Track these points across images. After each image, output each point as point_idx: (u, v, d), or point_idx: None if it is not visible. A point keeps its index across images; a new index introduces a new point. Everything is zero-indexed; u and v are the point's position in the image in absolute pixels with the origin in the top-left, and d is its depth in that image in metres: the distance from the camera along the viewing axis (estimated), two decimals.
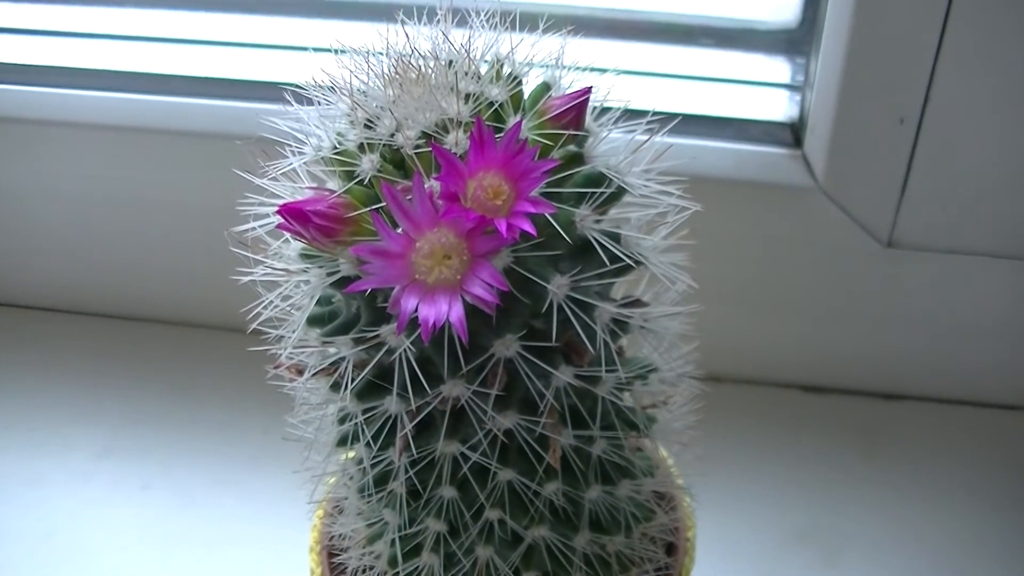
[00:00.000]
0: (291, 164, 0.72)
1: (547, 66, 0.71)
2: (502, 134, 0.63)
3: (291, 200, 0.66)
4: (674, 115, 0.99)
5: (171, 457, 1.19)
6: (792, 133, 1.15)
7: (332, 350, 0.71)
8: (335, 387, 0.73)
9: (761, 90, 1.19)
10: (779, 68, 1.18)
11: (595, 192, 0.67)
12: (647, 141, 0.72)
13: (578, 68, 0.71)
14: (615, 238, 0.69)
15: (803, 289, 1.20)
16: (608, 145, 0.71)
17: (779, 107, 1.17)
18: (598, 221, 0.68)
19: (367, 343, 0.68)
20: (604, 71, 0.71)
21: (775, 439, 1.22)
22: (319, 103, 0.72)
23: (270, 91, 0.81)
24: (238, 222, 0.75)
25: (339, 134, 0.71)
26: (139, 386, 1.27)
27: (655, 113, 0.75)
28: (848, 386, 1.26)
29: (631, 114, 0.74)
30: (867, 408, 1.25)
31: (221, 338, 1.28)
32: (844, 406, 1.24)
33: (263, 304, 0.74)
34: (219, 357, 1.28)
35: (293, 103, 0.73)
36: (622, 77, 0.74)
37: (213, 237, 0.81)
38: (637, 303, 0.74)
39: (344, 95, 0.71)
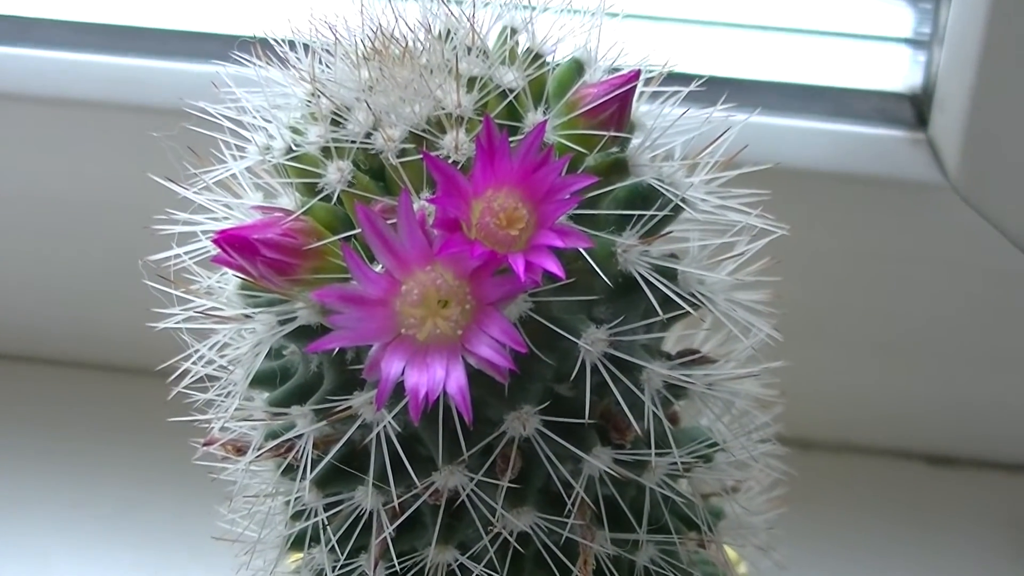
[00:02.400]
0: (229, 170, 0.77)
1: (578, 39, 0.76)
2: (519, 138, 0.67)
3: (232, 225, 0.70)
4: (747, 83, 1.04)
5: (55, 548, 1.23)
6: (913, 108, 1.17)
7: (284, 423, 0.74)
8: (288, 472, 0.77)
9: (870, 46, 1.21)
10: (897, 14, 1.20)
11: (643, 214, 0.70)
12: (715, 142, 0.76)
13: (619, 41, 0.76)
14: (669, 274, 0.72)
15: (927, 325, 1.22)
16: (660, 146, 0.75)
17: (896, 71, 1.18)
18: (646, 252, 0.71)
19: (333, 415, 0.71)
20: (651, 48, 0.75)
21: (890, 529, 1.24)
22: (266, 86, 0.76)
23: (199, 45, 0.85)
24: (155, 247, 0.79)
25: (295, 131, 0.74)
26: (8, 445, 1.32)
27: (719, 83, 0.79)
28: (990, 457, 1.28)
29: (692, 96, 0.78)
30: (1018, 486, 1.30)
31: (129, 384, 1.32)
32: (986, 483, 1.27)
33: (189, 357, 0.78)
34: (123, 412, 1.31)
35: (228, 82, 0.78)
36: (678, 39, 0.78)
37: (118, 263, 0.85)
38: (699, 360, 0.77)
39: (301, 76, 0.75)
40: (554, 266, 0.65)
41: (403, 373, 0.65)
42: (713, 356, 0.80)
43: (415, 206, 0.68)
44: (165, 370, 0.79)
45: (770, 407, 0.87)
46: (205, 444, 0.80)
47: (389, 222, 0.66)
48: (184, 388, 0.78)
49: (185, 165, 0.79)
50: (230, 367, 0.78)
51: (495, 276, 0.66)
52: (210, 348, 0.77)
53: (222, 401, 0.78)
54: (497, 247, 0.65)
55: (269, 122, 0.76)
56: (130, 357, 1.32)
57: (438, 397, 0.65)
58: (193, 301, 0.77)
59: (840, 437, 1.30)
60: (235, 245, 0.68)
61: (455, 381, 0.64)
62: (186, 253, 0.76)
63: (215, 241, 0.68)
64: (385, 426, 0.70)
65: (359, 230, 0.68)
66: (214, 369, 0.77)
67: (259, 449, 0.76)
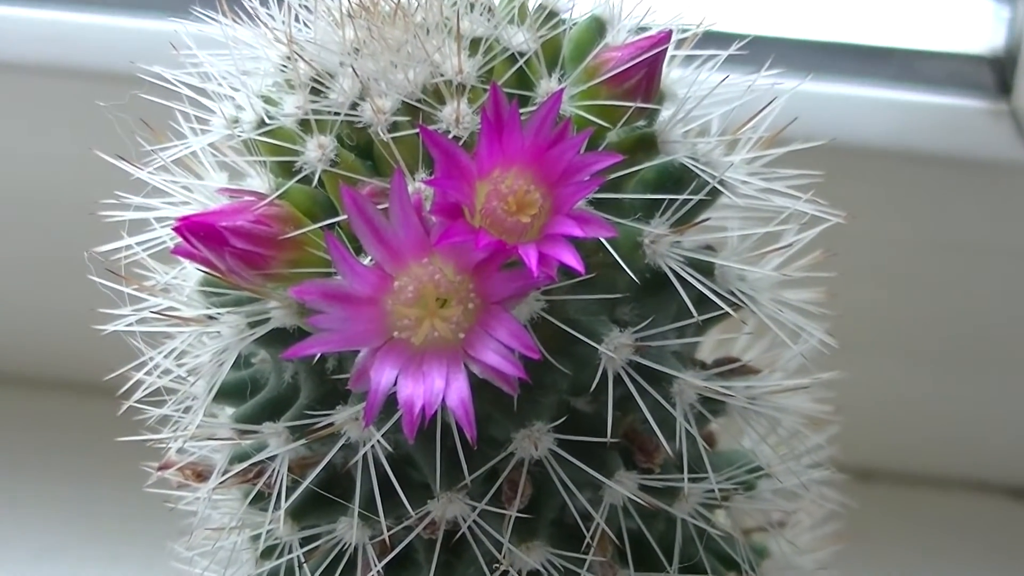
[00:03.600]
0: (189, 146, 0.79)
1: None
2: (531, 110, 0.69)
3: (195, 211, 0.72)
4: (796, 44, 1.06)
5: None
6: (995, 74, 1.18)
7: (254, 443, 0.76)
8: (258, 501, 0.78)
9: (944, 1, 1.22)
10: None
11: (675, 199, 0.72)
12: (760, 114, 0.78)
13: None
14: (705, 269, 0.74)
15: (1009, 331, 1.24)
16: (695, 119, 0.77)
17: (975, 30, 1.20)
18: (678, 243, 0.73)
19: (311, 434, 0.73)
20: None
21: (965, 573, 1.28)
22: (233, 48, 0.78)
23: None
24: (102, 237, 0.81)
25: (268, 101, 0.77)
26: None
27: (764, 44, 0.81)
28: None
29: (733, 61, 0.80)
30: None
31: (68, 399, 1.32)
32: None
33: (142, 366, 0.80)
34: (60, 432, 1.31)
35: (188, 42, 0.79)
36: None
37: (57, 256, 0.87)
38: (740, 370, 0.79)
39: (275, 37, 0.77)
40: (572, 259, 0.66)
41: (396, 383, 0.67)
42: (756, 366, 0.82)
43: (410, 188, 0.70)
44: (113, 382, 0.81)
45: (823, 426, 0.88)
46: (160, 468, 0.82)
47: (379, 207, 0.68)
48: (136, 403, 0.80)
49: (138, 141, 0.81)
50: (190, 378, 0.80)
51: (503, 270, 0.68)
52: (166, 355, 0.79)
53: (180, 418, 0.80)
54: (505, 236, 0.67)
55: (237, 90, 0.78)
56: (72, 367, 1.31)
57: (436, 411, 0.67)
58: (147, 300, 0.79)
59: (905, 464, 1.31)
60: (199, 234, 0.70)
61: (456, 392, 0.66)
62: (139, 244, 0.78)
63: (176, 229, 0.70)
64: (373, 446, 0.72)
65: (344, 216, 0.70)
66: (171, 380, 0.80)
67: (224, 474, 0.78)
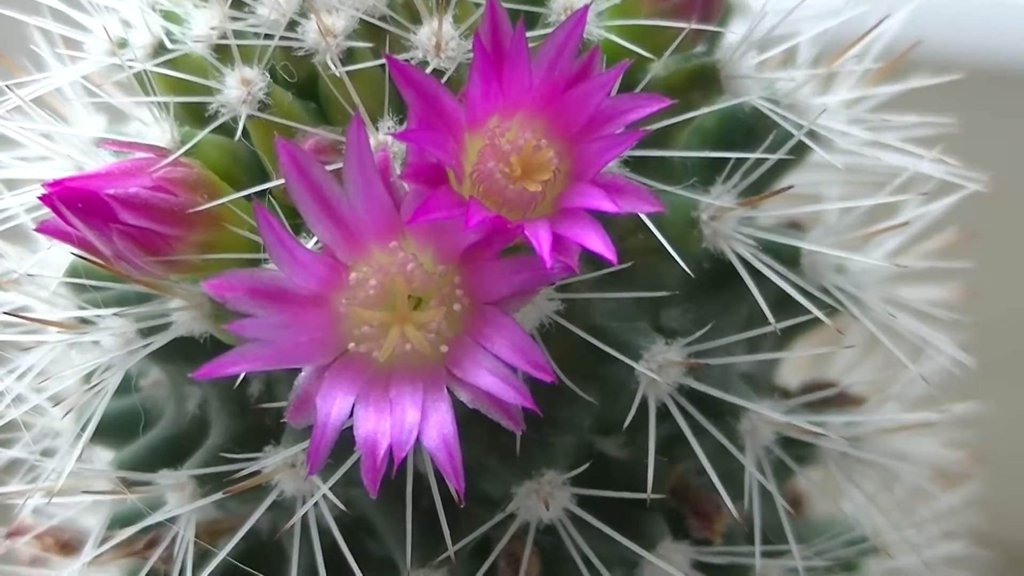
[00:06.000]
0: (54, 80, 0.82)
1: None
2: (543, 33, 0.74)
3: (69, 174, 0.77)
4: None
5: None
6: None
7: (145, 499, 0.81)
8: None
9: None
10: None
11: (745, 158, 0.77)
12: (867, 35, 0.81)
13: None
14: (788, 257, 0.79)
15: None
16: (773, 42, 0.82)
17: None
18: (750, 220, 0.78)
19: (229, 486, 0.77)
20: None
21: None
22: None
23: None
24: None
25: (168, 17, 0.81)
26: None
27: None
28: None
29: None
30: None
31: None
32: None
33: None
34: None
35: None
36: None
37: None
38: (837, 400, 0.85)
39: None
40: (599, 242, 0.70)
41: (351, 415, 0.71)
42: (860, 394, 0.87)
43: (372, 143, 0.73)
44: None
45: (959, 482, 0.92)
46: (8, 535, 0.87)
47: (329, 168, 0.72)
48: None
49: None
50: (53, 407, 0.85)
51: (501, 259, 0.72)
52: (19, 376, 0.83)
53: (38, 463, 0.85)
54: (506, 211, 0.71)
55: (123, 0, 0.83)
56: None
57: (408, 455, 0.71)
58: None
59: None
60: (77, 205, 0.74)
61: (436, 428, 0.71)
62: None
63: (44, 199, 0.74)
64: (318, 504, 0.77)
65: (279, 182, 0.75)
66: (27, 412, 0.85)
67: (101, 543, 0.83)
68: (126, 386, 0.83)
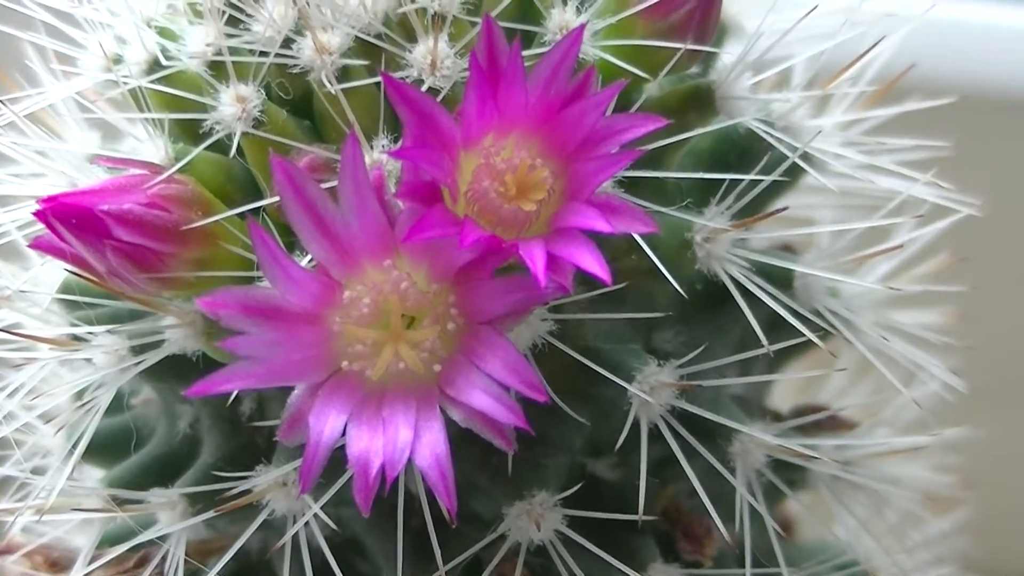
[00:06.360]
0: (48, 96, 0.83)
1: None
2: (539, 52, 0.74)
3: (63, 190, 0.77)
4: None
5: None
6: None
7: (137, 517, 0.81)
8: None
9: None
10: None
11: (739, 180, 0.77)
12: (862, 58, 0.82)
13: None
14: (780, 279, 0.79)
15: None
16: (768, 65, 0.82)
17: None
18: (743, 242, 0.78)
19: (220, 505, 0.78)
20: None
21: None
22: None
23: None
24: None
25: (163, 33, 0.82)
26: None
27: None
28: None
29: None
30: None
31: None
32: None
33: None
34: None
35: None
36: None
37: None
38: (829, 424, 0.85)
39: None
40: (593, 262, 0.70)
41: (344, 433, 0.71)
42: (852, 418, 0.87)
43: (367, 161, 0.74)
44: None
45: (950, 507, 0.92)
46: (0, 553, 0.87)
47: (324, 186, 0.72)
48: None
49: None
50: (43, 425, 0.85)
51: (496, 278, 0.72)
52: (10, 393, 0.83)
53: (28, 481, 0.85)
54: (500, 230, 0.71)
55: (118, 16, 0.83)
56: None
57: (400, 474, 0.71)
58: None
59: None
60: (70, 221, 0.74)
61: (429, 448, 0.71)
62: None
63: (39, 214, 0.74)
64: (309, 524, 0.77)
65: (274, 199, 0.75)
66: (18, 430, 0.84)
67: (91, 562, 0.83)
68: (118, 404, 0.83)
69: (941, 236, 0.82)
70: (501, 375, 0.71)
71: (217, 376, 0.71)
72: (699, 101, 0.79)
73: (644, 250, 0.76)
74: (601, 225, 0.71)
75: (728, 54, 0.80)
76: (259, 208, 0.77)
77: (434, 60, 0.78)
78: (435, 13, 0.78)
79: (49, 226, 0.74)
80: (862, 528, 0.85)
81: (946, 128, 0.83)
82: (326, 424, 0.71)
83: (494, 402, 0.71)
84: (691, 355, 0.77)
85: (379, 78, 0.73)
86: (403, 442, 0.71)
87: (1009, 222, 0.92)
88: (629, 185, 0.77)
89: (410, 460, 0.71)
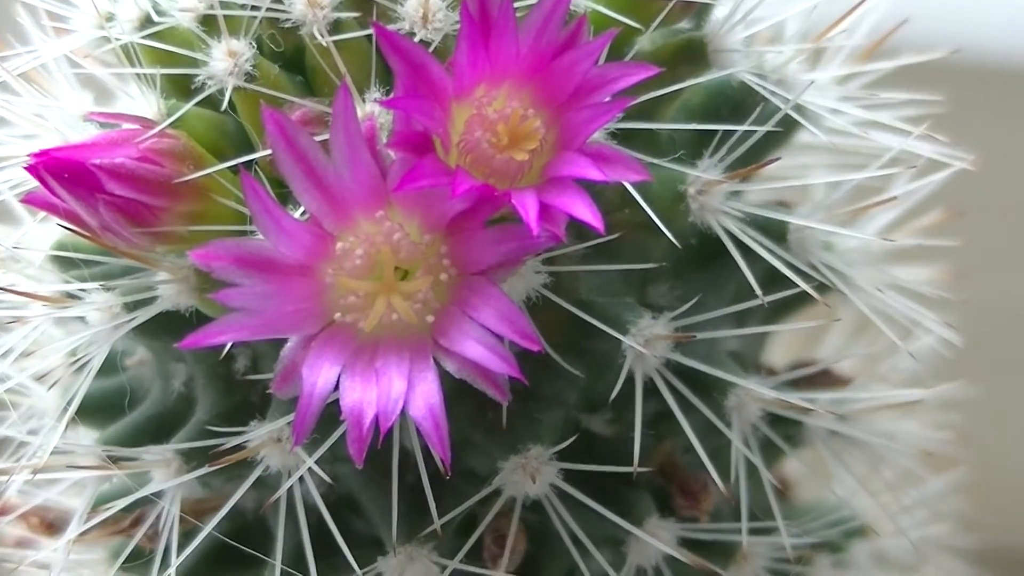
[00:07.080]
0: (39, 55, 0.83)
1: None
2: (531, 2, 0.72)
3: (55, 144, 0.77)
4: None
5: None
6: None
7: (131, 475, 0.81)
8: (135, 561, 0.84)
9: None
10: None
11: (732, 131, 0.77)
12: (853, 11, 0.81)
13: None
14: (775, 232, 0.79)
15: None
16: (761, 19, 0.82)
17: None
18: (737, 195, 0.78)
19: (215, 460, 0.78)
20: None
21: None
22: None
23: None
24: None
25: None
26: None
27: None
28: None
29: None
30: None
31: None
32: None
33: None
34: None
35: None
36: None
37: None
38: (824, 378, 0.85)
39: None
40: (587, 212, 0.70)
41: (337, 385, 0.71)
42: (848, 373, 0.87)
43: (359, 112, 0.73)
44: None
45: (947, 466, 0.92)
46: None
47: (316, 138, 0.72)
48: None
49: None
50: (36, 385, 0.85)
51: (488, 228, 0.72)
52: (3, 353, 0.83)
53: (23, 442, 0.85)
54: (493, 180, 0.71)
55: None
56: None
57: (394, 425, 0.72)
58: None
59: None
60: (63, 175, 0.74)
61: (423, 398, 0.71)
62: None
63: (31, 169, 0.74)
64: (303, 479, 0.77)
65: (266, 152, 0.75)
66: (8, 389, 0.84)
67: (85, 523, 0.83)
68: (111, 365, 0.83)
69: (937, 190, 0.83)
70: (494, 325, 0.71)
71: (210, 328, 0.71)
72: (691, 54, 0.79)
73: (638, 203, 0.76)
74: (594, 173, 0.71)
75: (721, 6, 0.80)
76: (251, 162, 0.77)
77: (425, 12, 0.78)
78: None
79: (41, 181, 0.74)
80: (859, 485, 0.86)
81: (940, 83, 0.84)
82: (319, 376, 0.71)
83: (488, 352, 0.71)
84: (685, 307, 0.77)
85: (371, 31, 0.73)
86: (397, 393, 0.71)
87: (1001, 175, 0.91)
88: (622, 138, 0.77)
89: (404, 412, 0.71)
